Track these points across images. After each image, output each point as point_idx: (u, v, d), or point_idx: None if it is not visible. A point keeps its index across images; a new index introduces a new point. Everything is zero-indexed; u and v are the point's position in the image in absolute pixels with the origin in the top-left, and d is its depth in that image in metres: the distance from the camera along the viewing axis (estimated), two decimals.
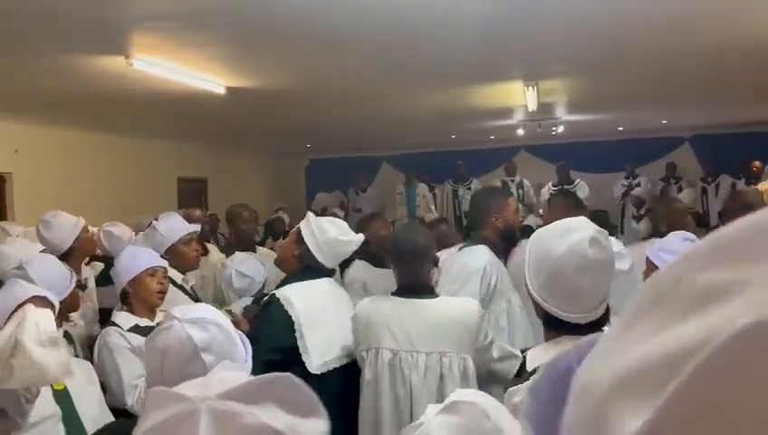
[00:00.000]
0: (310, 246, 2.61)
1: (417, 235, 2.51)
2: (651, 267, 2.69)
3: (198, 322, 1.40)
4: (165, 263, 2.80)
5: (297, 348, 2.46)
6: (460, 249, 2.96)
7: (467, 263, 2.77)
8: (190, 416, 0.72)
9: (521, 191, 9.75)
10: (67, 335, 2.82)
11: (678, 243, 2.66)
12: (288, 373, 0.81)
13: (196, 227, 3.50)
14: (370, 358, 2.35)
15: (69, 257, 3.64)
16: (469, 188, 10.66)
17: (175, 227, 3.36)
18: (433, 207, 10.46)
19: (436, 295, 2.44)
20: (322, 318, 2.56)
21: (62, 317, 2.72)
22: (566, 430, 0.32)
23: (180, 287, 3.26)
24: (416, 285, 2.39)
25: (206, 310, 1.48)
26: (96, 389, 2.35)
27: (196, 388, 0.80)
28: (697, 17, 3.96)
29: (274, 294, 2.59)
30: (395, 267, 2.46)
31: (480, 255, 2.78)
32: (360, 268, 3.53)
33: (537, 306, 1.60)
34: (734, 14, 3.91)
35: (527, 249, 1.61)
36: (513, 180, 9.94)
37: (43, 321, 1.81)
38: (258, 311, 2.76)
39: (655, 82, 6.27)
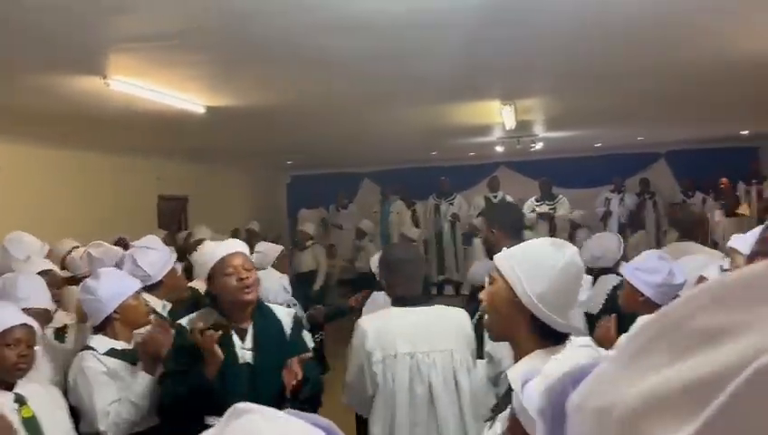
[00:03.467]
0: None
1: (412, 251, 2.80)
2: (627, 285, 2.70)
3: None
4: (140, 284, 2.82)
5: None
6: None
7: None
8: None
9: None
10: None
11: (657, 262, 2.66)
12: None
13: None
14: (388, 364, 2.46)
15: None
16: (452, 204, 10.73)
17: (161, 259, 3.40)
18: (410, 223, 10.51)
19: (432, 304, 2.65)
20: None
21: None
22: None
23: (159, 314, 3.25)
24: (415, 297, 2.59)
25: None
26: (64, 414, 2.33)
27: None
28: (670, 37, 4.05)
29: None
30: (394, 280, 2.64)
31: None
32: None
33: (519, 319, 1.59)
34: (705, 32, 4.00)
35: (503, 264, 1.63)
36: (495, 196, 10.02)
37: None
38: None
39: (629, 99, 6.38)
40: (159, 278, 3.29)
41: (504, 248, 1.72)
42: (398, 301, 2.61)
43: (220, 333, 2.31)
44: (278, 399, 2.43)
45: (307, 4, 3.09)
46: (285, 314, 2.66)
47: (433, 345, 2.47)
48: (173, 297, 3.45)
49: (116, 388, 2.49)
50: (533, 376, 1.22)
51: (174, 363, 2.40)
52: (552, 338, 1.58)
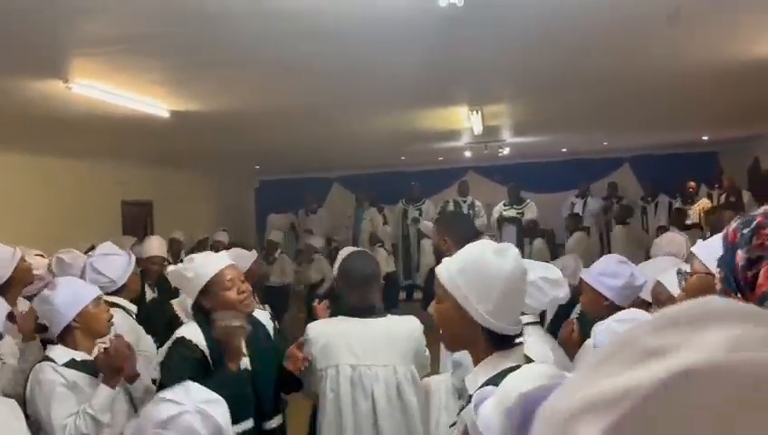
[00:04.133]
0: None
1: (368, 261, 2.76)
2: (590, 290, 2.75)
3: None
4: (100, 291, 2.76)
5: None
6: None
7: None
8: None
9: (472, 211, 9.87)
10: None
11: (617, 266, 2.71)
12: None
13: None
14: (331, 375, 2.47)
15: (6, 290, 3.52)
16: (420, 209, 10.77)
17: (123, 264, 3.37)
18: (381, 229, 10.51)
19: (384, 315, 2.62)
20: None
21: None
22: None
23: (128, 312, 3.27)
24: (367, 307, 2.57)
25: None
26: (22, 426, 2.26)
27: None
28: (632, 46, 4.15)
29: None
30: (349, 291, 2.64)
31: None
32: None
33: (473, 332, 1.59)
34: (665, 42, 4.10)
35: (448, 282, 1.59)
36: (465, 201, 10.05)
37: None
38: None
39: (594, 105, 6.50)
40: (122, 283, 3.28)
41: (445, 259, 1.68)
42: (351, 311, 2.60)
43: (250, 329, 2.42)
44: (275, 399, 2.54)
45: (271, 10, 3.08)
46: (265, 317, 2.72)
47: (377, 359, 2.47)
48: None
49: (75, 400, 2.43)
50: (488, 395, 1.21)
51: (187, 374, 2.31)
52: (507, 342, 1.59)
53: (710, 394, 0.37)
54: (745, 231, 0.88)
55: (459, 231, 3.14)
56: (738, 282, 0.86)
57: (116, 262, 3.31)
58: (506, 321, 1.56)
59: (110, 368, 2.46)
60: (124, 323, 3.02)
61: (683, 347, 0.39)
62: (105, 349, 2.51)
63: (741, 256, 0.87)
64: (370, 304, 2.60)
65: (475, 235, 3.26)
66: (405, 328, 2.59)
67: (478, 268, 1.56)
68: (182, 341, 2.44)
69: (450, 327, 1.64)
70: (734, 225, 0.92)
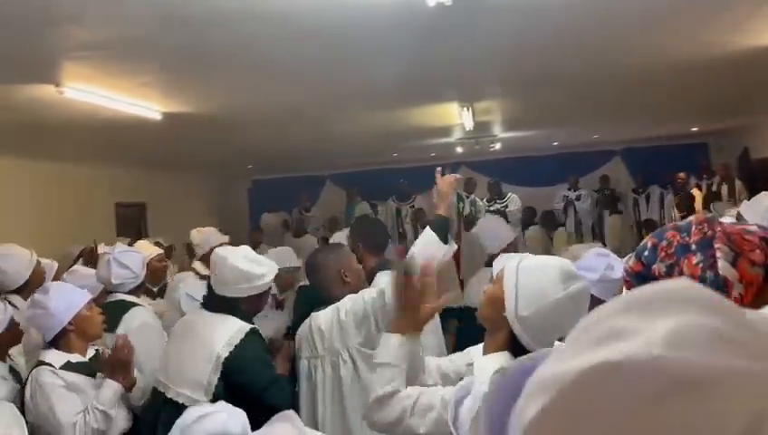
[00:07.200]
0: None
1: (328, 255, 2.84)
2: None
3: None
4: (91, 295, 2.79)
5: None
6: None
7: None
8: None
9: (473, 208, 9.89)
10: (13, 372, 2.75)
11: (594, 260, 2.74)
12: None
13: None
14: (303, 364, 2.65)
15: (20, 293, 3.54)
16: (412, 206, 10.76)
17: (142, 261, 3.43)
18: None
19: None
20: None
21: (2, 352, 2.67)
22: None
23: None
24: (326, 298, 2.69)
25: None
26: (23, 431, 2.28)
27: None
28: (621, 40, 4.18)
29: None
30: (314, 283, 2.82)
31: None
32: None
33: (502, 326, 1.63)
34: (655, 36, 4.14)
35: (509, 273, 1.63)
36: (467, 196, 10.02)
37: None
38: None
39: (584, 99, 6.54)
40: (141, 281, 3.37)
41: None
42: (321, 303, 2.70)
43: None
44: None
45: (260, 12, 3.10)
46: None
47: (320, 351, 2.58)
48: None
49: (79, 400, 2.46)
50: (466, 393, 1.26)
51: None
52: (521, 353, 1.57)
53: (630, 389, 0.37)
54: (646, 253, 0.94)
55: (372, 237, 3.24)
56: None
57: (138, 257, 3.38)
58: (534, 339, 1.57)
59: (116, 365, 2.50)
60: (149, 320, 3.14)
61: (638, 333, 0.40)
62: (116, 346, 2.55)
63: (658, 267, 0.92)
64: (328, 295, 2.69)
65: (386, 242, 3.38)
66: (344, 307, 2.60)
67: (539, 279, 1.60)
68: (256, 332, 2.62)
69: (487, 309, 1.68)
70: (630, 262, 0.98)
